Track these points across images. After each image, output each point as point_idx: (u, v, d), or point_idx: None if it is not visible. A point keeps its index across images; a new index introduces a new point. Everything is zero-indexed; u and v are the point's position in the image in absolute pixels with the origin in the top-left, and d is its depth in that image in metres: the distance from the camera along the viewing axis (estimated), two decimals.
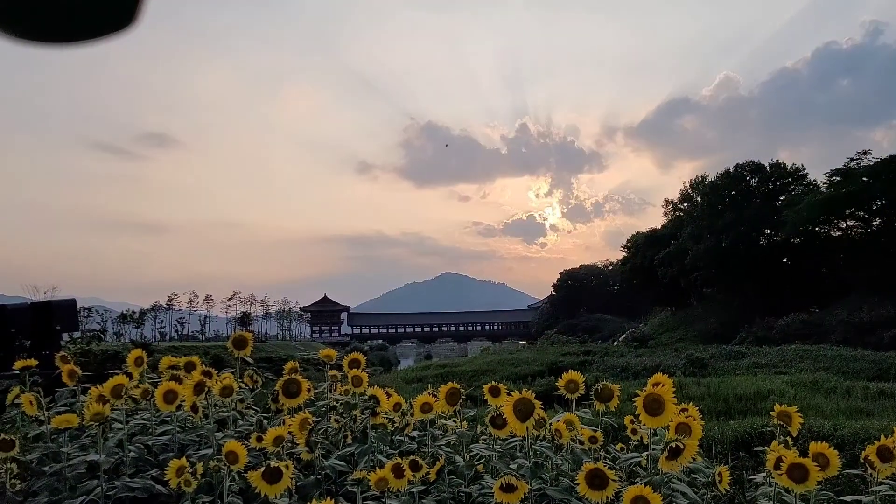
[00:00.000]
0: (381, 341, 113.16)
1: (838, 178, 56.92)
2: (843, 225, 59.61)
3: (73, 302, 14.79)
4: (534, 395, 2.76)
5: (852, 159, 56.06)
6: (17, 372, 3.78)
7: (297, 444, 3.12)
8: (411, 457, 2.98)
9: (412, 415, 3.54)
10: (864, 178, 54.26)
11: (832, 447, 2.72)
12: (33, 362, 3.80)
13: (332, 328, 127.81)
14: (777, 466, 2.57)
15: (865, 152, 55.06)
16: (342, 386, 3.89)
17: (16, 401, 3.68)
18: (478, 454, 3.32)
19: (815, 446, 2.71)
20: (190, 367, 3.89)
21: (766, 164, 65.95)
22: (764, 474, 2.82)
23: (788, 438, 2.90)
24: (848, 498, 2.79)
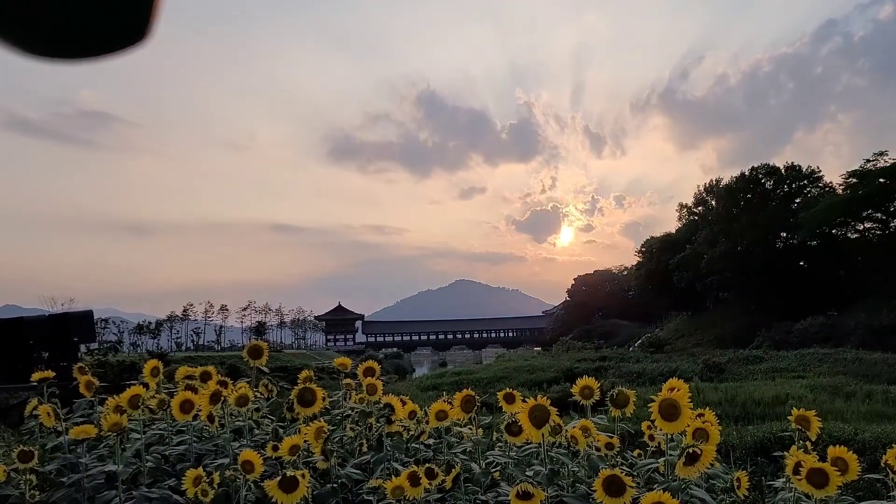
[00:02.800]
0: (395, 349, 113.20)
1: (855, 180, 56.44)
2: (861, 227, 59.06)
3: (89, 313, 14.99)
4: (549, 401, 2.75)
5: (868, 160, 55.59)
6: (36, 383, 3.81)
7: (313, 453, 3.12)
8: (427, 465, 2.97)
9: (427, 423, 3.53)
10: (881, 180, 53.77)
11: (852, 452, 2.69)
12: (51, 374, 3.83)
13: (347, 336, 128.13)
14: (796, 471, 2.54)
15: (882, 153, 54.57)
16: (357, 394, 3.90)
17: (34, 412, 3.71)
18: (494, 461, 3.31)
19: (833, 451, 2.68)
20: (206, 377, 3.91)
21: (781, 167, 65.57)
22: (783, 479, 2.79)
23: (808, 443, 2.87)
24: (869, 503, 2.76)
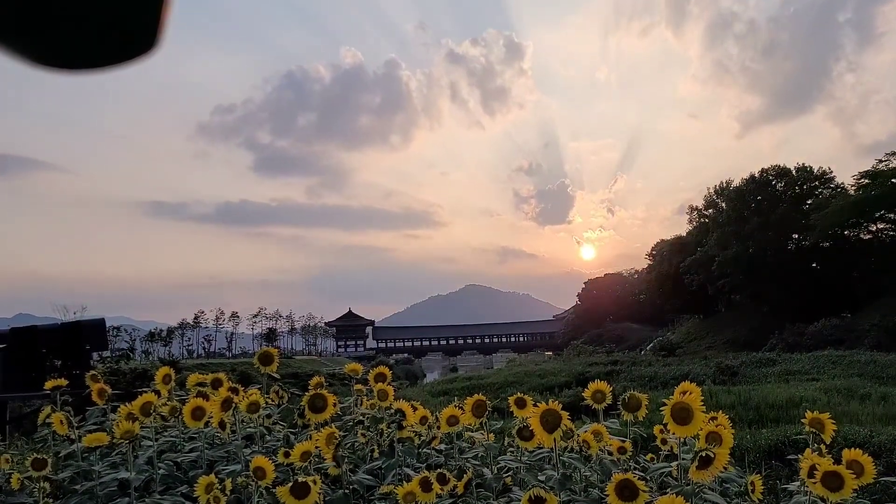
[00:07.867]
0: (406, 355, 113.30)
1: (866, 181, 56.13)
2: (873, 228, 58.71)
3: (101, 321, 15.07)
4: (561, 405, 2.74)
5: (880, 160, 55.31)
6: (49, 391, 3.83)
7: (325, 459, 3.12)
8: (439, 470, 2.97)
9: (439, 428, 3.53)
10: (894, 180, 53.45)
11: (868, 454, 2.67)
12: (63, 382, 3.86)
13: (358, 342, 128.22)
14: (811, 475, 2.52)
15: (894, 153, 54.29)
16: (368, 400, 3.90)
17: (47, 420, 3.73)
18: (505, 466, 3.30)
19: (848, 453, 2.65)
20: (217, 384, 3.92)
21: (792, 168, 65.25)
22: (798, 483, 2.76)
23: (822, 446, 2.84)
24: None
